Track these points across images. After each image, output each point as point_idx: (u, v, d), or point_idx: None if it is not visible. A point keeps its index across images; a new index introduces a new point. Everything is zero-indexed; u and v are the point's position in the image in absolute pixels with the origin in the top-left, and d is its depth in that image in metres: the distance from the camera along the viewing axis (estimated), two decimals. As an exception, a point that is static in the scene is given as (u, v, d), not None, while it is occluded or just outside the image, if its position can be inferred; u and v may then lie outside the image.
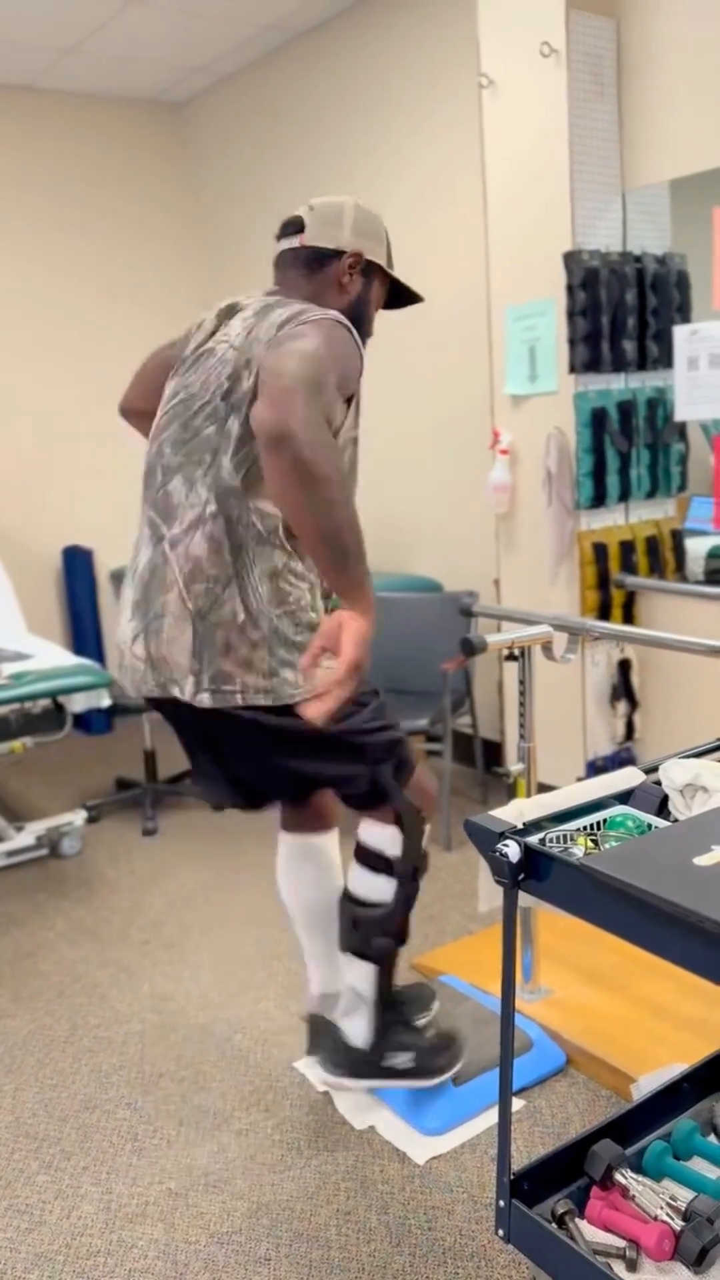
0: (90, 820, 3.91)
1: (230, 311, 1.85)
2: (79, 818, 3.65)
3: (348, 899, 2.01)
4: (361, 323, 1.88)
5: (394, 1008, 2.10)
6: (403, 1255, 1.84)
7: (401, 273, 4.61)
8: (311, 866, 2.13)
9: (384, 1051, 2.07)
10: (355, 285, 1.88)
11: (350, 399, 1.76)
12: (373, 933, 1.98)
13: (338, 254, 1.85)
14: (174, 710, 1.91)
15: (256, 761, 1.91)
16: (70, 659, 3.50)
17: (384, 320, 4.63)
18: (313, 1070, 2.13)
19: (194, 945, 2.98)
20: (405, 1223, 1.92)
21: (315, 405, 1.53)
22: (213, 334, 1.85)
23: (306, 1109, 2.24)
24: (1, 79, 4.69)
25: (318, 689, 1.61)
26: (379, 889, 1.97)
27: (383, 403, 4.42)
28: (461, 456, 4.09)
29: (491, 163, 3.26)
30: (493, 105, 3.21)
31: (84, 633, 5.11)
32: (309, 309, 1.73)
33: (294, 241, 1.86)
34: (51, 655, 3.57)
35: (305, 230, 1.85)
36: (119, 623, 1.91)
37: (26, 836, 3.56)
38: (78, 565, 5.06)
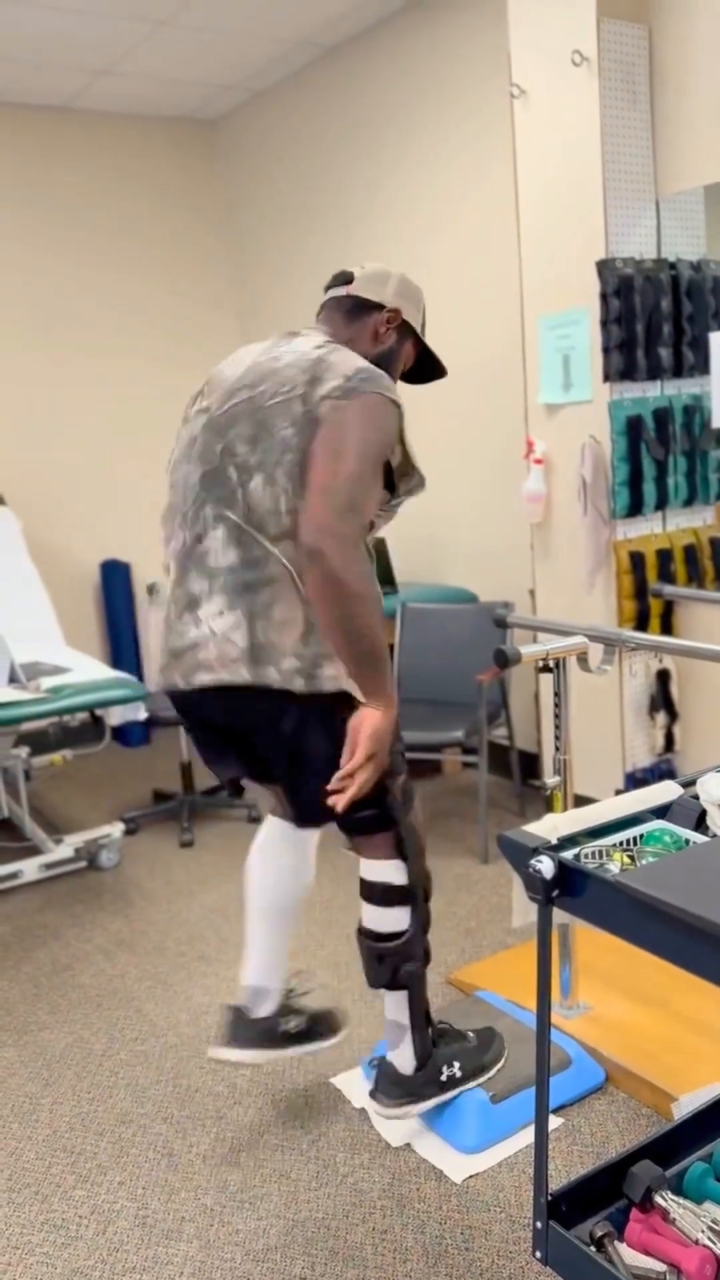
0: (128, 832, 3.93)
1: (273, 346, 1.97)
2: (117, 830, 3.67)
3: (367, 937, 2.06)
4: (388, 373, 2.01)
5: (430, 1023, 2.14)
6: (439, 1275, 1.82)
7: (437, 284, 4.59)
8: (291, 855, 2.16)
9: (436, 1068, 2.13)
10: (389, 339, 2.03)
11: (401, 456, 1.92)
12: (400, 963, 2.04)
13: (379, 307, 2.02)
14: (204, 702, 1.94)
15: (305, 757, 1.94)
16: (108, 672, 3.52)
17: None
18: (370, 1106, 2.17)
19: (231, 958, 2.98)
20: (442, 1242, 1.89)
21: (352, 525, 1.75)
22: (250, 364, 1.94)
23: (343, 1125, 2.23)
24: (36, 100, 4.76)
25: (340, 779, 1.81)
26: (395, 920, 2.02)
27: (417, 413, 4.41)
28: (496, 466, 4.08)
29: (524, 172, 3.25)
30: (524, 115, 3.20)
31: (122, 646, 5.15)
32: (354, 372, 1.84)
33: (340, 290, 2.03)
34: (89, 668, 3.60)
35: (353, 282, 2.02)
36: (198, 616, 1.88)
37: (65, 849, 3.58)
38: (116, 578, 5.10)
